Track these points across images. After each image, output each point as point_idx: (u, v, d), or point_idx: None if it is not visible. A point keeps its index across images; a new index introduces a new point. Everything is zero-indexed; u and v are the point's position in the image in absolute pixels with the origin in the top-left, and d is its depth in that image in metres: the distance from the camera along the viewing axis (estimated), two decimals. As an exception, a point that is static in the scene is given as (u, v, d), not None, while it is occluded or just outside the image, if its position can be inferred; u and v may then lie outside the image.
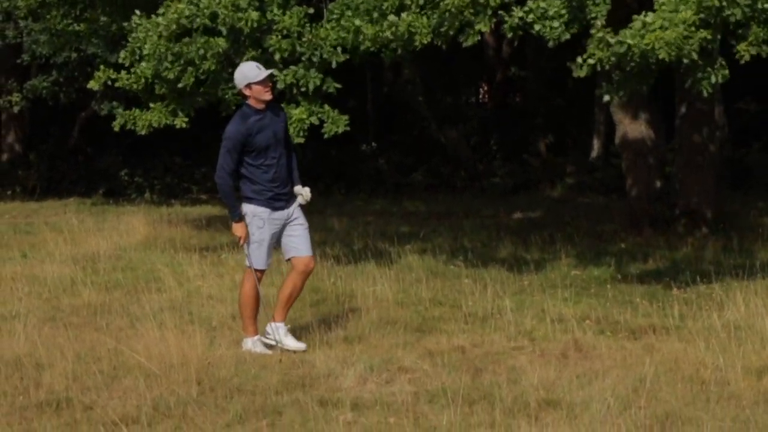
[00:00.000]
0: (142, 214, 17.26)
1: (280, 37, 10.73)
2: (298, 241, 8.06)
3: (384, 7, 10.05)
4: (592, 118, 22.81)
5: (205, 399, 6.72)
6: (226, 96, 11.55)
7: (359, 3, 10.42)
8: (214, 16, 10.70)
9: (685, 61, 8.83)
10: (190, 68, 11.04)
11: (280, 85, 10.76)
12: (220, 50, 10.84)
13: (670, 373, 7.12)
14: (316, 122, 11.13)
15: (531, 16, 9.42)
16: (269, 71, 8.12)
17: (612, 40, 8.87)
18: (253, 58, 10.54)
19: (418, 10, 9.88)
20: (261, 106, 7.96)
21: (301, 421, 6.27)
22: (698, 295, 9.85)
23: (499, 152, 23.49)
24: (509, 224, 15.70)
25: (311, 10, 10.92)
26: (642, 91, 9.87)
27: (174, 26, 10.81)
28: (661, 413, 6.28)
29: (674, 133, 14.75)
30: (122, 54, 11.60)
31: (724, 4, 8.77)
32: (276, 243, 8.10)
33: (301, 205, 8.15)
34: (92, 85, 12.01)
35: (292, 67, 10.86)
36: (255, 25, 10.58)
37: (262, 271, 8.10)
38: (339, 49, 10.66)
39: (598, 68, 9.12)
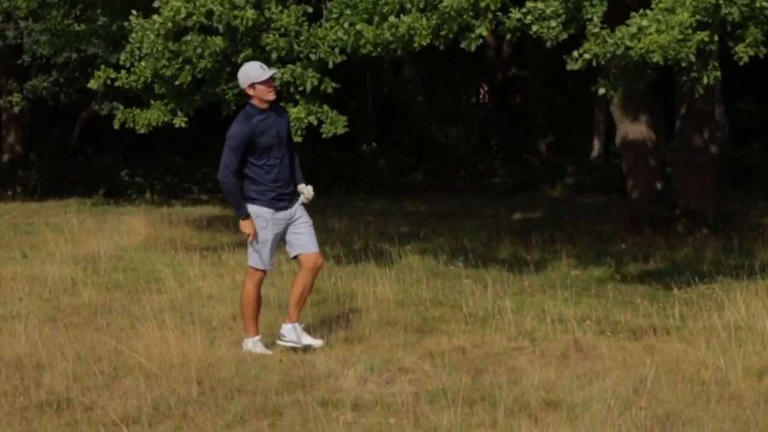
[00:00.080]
0: (142, 214, 17.27)
1: (277, 35, 10.72)
2: (304, 238, 8.07)
3: (384, 11, 10.05)
4: (593, 118, 22.82)
5: (205, 399, 6.72)
6: (226, 96, 11.55)
7: (358, 1, 10.42)
8: (210, 14, 10.70)
9: (683, 64, 8.85)
10: (187, 66, 11.05)
11: (276, 83, 10.76)
12: (217, 49, 10.85)
13: (671, 374, 7.12)
14: (315, 122, 11.13)
15: (529, 17, 9.44)
16: (273, 71, 8.14)
17: (609, 40, 8.88)
18: (250, 57, 10.56)
19: (418, 13, 9.88)
20: (264, 105, 7.97)
21: (302, 421, 6.27)
22: (699, 295, 9.85)
23: (500, 152, 23.49)
24: (509, 224, 15.70)
25: (310, 9, 10.91)
26: (638, 87, 9.87)
27: (170, 24, 10.82)
28: (661, 414, 6.28)
29: (674, 133, 14.75)
30: (123, 56, 11.62)
31: (721, 3, 8.78)
32: (280, 243, 8.11)
33: (303, 204, 8.16)
34: (92, 84, 12.03)
35: (290, 66, 10.86)
36: (251, 23, 10.58)
37: (264, 272, 8.11)
38: (337, 49, 10.66)
39: (594, 63, 9.14)
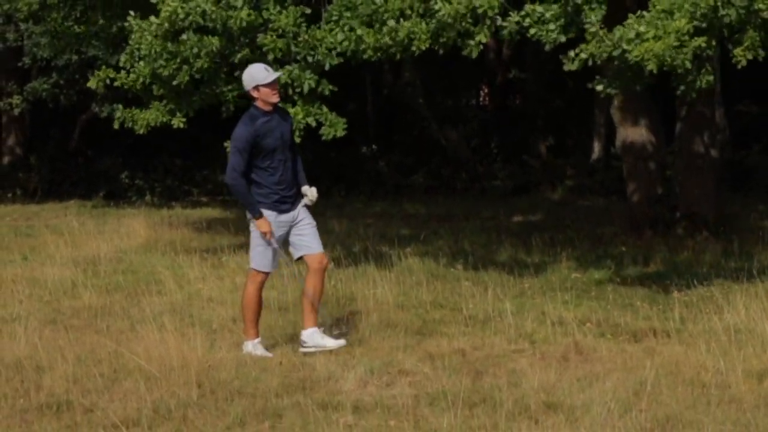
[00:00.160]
0: (142, 216, 17.26)
1: (275, 36, 10.72)
2: (308, 239, 8.08)
3: (384, 17, 10.05)
4: (593, 120, 22.82)
5: (205, 402, 6.72)
6: (227, 98, 11.56)
7: (358, 4, 10.42)
8: (205, 15, 10.71)
9: (679, 70, 8.87)
10: (185, 67, 11.06)
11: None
12: (214, 48, 10.84)
13: (671, 376, 7.12)
14: (313, 123, 11.14)
15: (527, 20, 9.45)
16: (278, 73, 8.16)
17: (607, 40, 8.90)
18: (248, 58, 10.58)
19: (418, 18, 9.89)
20: (268, 108, 7.98)
21: (302, 424, 6.27)
22: (699, 298, 9.85)
23: (500, 154, 23.50)
24: (510, 227, 15.70)
25: (308, 11, 10.91)
26: (635, 89, 9.88)
27: (166, 24, 10.83)
28: (661, 416, 6.28)
29: (674, 135, 14.75)
30: (122, 57, 11.64)
31: (719, 4, 8.79)
32: (282, 245, 8.11)
33: (306, 206, 8.17)
34: (91, 84, 12.06)
35: (288, 67, 10.87)
36: (244, 23, 10.58)
37: (267, 274, 8.11)
38: (334, 51, 10.66)
39: (590, 63, 9.16)
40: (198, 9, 10.61)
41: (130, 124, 12.04)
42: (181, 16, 10.66)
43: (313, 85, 10.89)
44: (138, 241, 14.01)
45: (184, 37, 10.86)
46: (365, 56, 10.33)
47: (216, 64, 11.12)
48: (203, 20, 10.68)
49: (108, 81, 11.87)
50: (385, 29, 9.96)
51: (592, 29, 9.04)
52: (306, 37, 10.67)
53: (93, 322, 9.18)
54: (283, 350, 8.13)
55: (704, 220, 13.79)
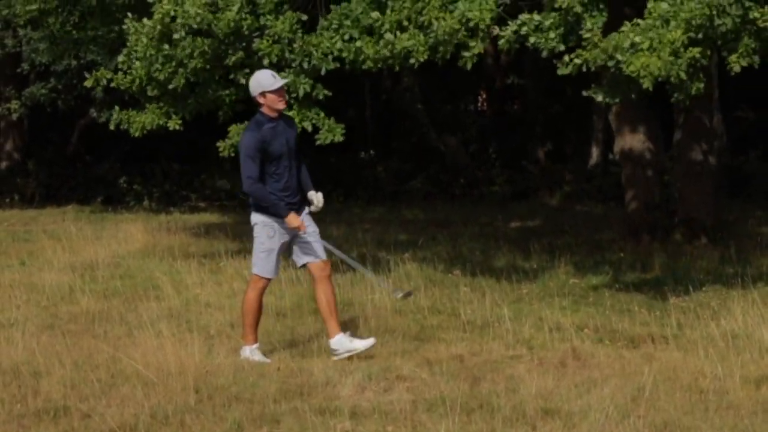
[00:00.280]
0: (140, 221, 17.26)
1: (271, 41, 10.73)
2: (311, 247, 8.10)
3: (382, 30, 10.06)
4: (591, 126, 22.83)
5: (203, 407, 6.71)
6: (224, 102, 11.58)
7: (358, 14, 10.43)
8: (196, 17, 10.71)
9: (673, 81, 8.89)
10: (180, 70, 11.07)
11: None
12: (206, 48, 10.84)
13: (669, 382, 7.11)
14: (309, 128, 11.15)
15: (525, 28, 9.47)
16: (284, 80, 8.20)
17: (602, 47, 8.92)
18: (241, 61, 10.58)
19: (416, 30, 9.90)
20: (274, 114, 8.02)
21: (299, 429, 6.27)
22: (696, 304, 9.84)
23: (498, 160, 23.51)
24: (508, 232, 15.70)
25: (304, 17, 10.91)
26: (631, 97, 9.91)
27: (159, 26, 10.84)
28: (659, 422, 6.28)
29: (672, 142, 14.76)
30: (120, 58, 11.66)
31: (715, 13, 8.81)
32: (286, 252, 8.12)
33: (311, 213, 8.18)
34: (88, 83, 12.09)
35: (282, 73, 10.88)
36: (232, 25, 10.58)
37: (268, 280, 8.12)
38: (330, 56, 10.67)
39: (584, 69, 9.17)
40: (188, 12, 10.62)
41: (125, 126, 12.06)
42: (181, 19, 10.66)
43: (308, 90, 10.90)
44: (136, 246, 14.01)
45: (176, 36, 10.85)
46: (364, 66, 10.35)
47: (210, 66, 11.12)
48: (194, 22, 10.69)
49: (105, 81, 11.88)
50: (382, 42, 9.98)
51: (587, 35, 9.06)
52: (301, 43, 10.68)
53: (90, 327, 9.17)
54: (280, 356, 8.12)
55: (702, 226, 13.80)
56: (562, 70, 9.34)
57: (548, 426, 6.25)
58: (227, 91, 11.60)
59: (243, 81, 11.16)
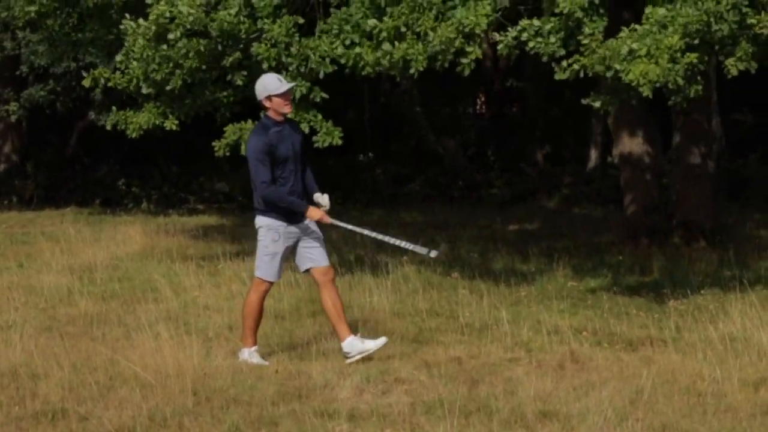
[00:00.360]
0: (139, 223, 17.24)
1: (269, 45, 10.73)
2: (316, 252, 8.12)
3: (380, 38, 10.06)
4: (590, 129, 22.83)
5: (201, 410, 6.71)
6: (222, 103, 11.58)
7: (358, 19, 10.42)
8: (189, 17, 10.72)
9: (671, 86, 8.90)
10: (177, 71, 11.07)
11: None
12: (201, 48, 10.84)
13: (667, 385, 7.11)
14: (307, 130, 11.15)
15: (525, 34, 9.47)
16: (291, 84, 8.23)
17: (599, 53, 8.92)
18: (239, 62, 10.58)
19: (414, 38, 9.91)
20: (280, 118, 8.03)
21: (298, 432, 6.27)
22: (695, 306, 9.85)
23: (497, 162, 23.50)
24: (506, 235, 15.70)
25: (301, 20, 10.91)
26: (630, 99, 9.92)
27: (154, 27, 10.84)
28: (658, 425, 6.28)
29: (671, 144, 14.76)
30: (118, 57, 11.67)
31: (712, 20, 8.82)
32: (290, 255, 8.12)
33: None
34: (85, 82, 12.11)
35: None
36: (226, 26, 10.58)
37: (271, 284, 8.12)
38: (328, 59, 10.67)
39: (581, 75, 9.18)
40: (182, 12, 10.62)
41: (122, 127, 12.07)
42: (167, 16, 10.66)
43: (305, 92, 10.91)
44: (134, 248, 14.00)
45: (171, 36, 10.85)
46: (364, 72, 10.35)
47: (207, 67, 11.12)
48: (187, 22, 10.69)
49: (103, 81, 11.89)
50: (380, 52, 9.98)
51: (585, 41, 9.07)
52: (298, 47, 10.68)
53: (89, 329, 9.17)
54: (279, 358, 8.12)
55: (701, 229, 13.80)
56: (559, 75, 9.36)
57: (546, 429, 6.25)
58: (225, 93, 11.60)
59: (240, 82, 11.17)
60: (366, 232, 8.61)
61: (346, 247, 13.57)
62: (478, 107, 27.49)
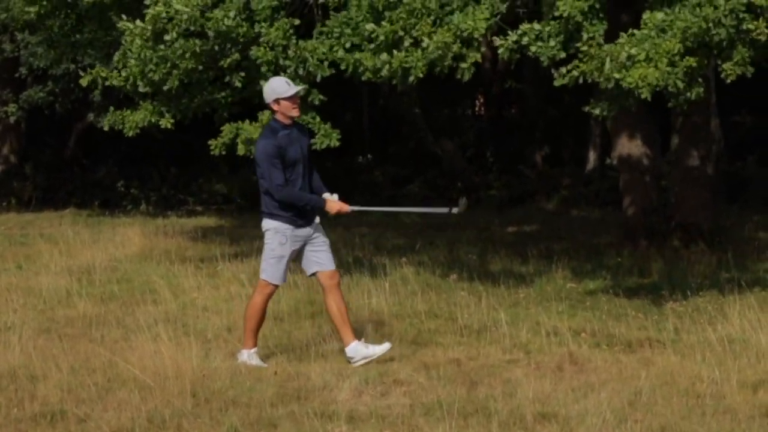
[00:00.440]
0: (137, 225, 17.23)
1: (267, 48, 10.73)
2: (323, 256, 8.12)
3: (380, 44, 10.06)
4: (588, 131, 22.83)
5: (200, 411, 6.71)
6: (220, 104, 11.58)
7: (358, 22, 10.42)
8: (187, 18, 10.72)
9: (671, 89, 8.92)
10: (174, 71, 11.08)
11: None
12: (197, 49, 10.84)
13: (666, 387, 7.12)
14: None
15: (526, 38, 9.48)
16: (299, 87, 8.23)
17: (597, 59, 8.93)
18: (237, 63, 10.57)
19: (412, 45, 9.90)
20: (288, 121, 8.06)
21: (296, 433, 6.27)
22: (694, 308, 9.85)
23: (495, 164, 23.50)
24: (505, 237, 15.70)
25: (297, 22, 10.90)
26: (630, 105, 9.93)
27: (150, 27, 10.84)
28: (656, 427, 6.28)
29: (669, 146, 14.77)
30: (116, 57, 11.69)
31: (710, 25, 8.84)
32: (296, 258, 8.12)
33: (320, 223, 8.21)
34: (83, 81, 12.11)
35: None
36: (223, 27, 10.58)
37: (276, 287, 8.13)
38: (326, 62, 10.67)
39: (580, 81, 9.19)
40: (178, 12, 10.62)
41: (119, 126, 12.08)
42: (182, 19, 10.66)
43: (303, 94, 10.90)
44: (133, 250, 14.00)
45: (167, 37, 10.85)
46: (364, 78, 10.36)
47: (204, 67, 11.12)
48: (182, 21, 10.69)
49: (101, 80, 11.89)
50: (378, 62, 9.98)
51: (584, 47, 9.08)
52: (296, 50, 10.68)
53: (87, 331, 9.17)
54: (278, 360, 8.12)
55: (700, 231, 13.81)
56: (558, 81, 9.36)
57: (545, 430, 6.25)
58: (223, 93, 11.60)
59: (238, 84, 11.17)
60: (386, 209, 9.33)
61: (345, 249, 13.57)
62: (476, 109, 27.50)
